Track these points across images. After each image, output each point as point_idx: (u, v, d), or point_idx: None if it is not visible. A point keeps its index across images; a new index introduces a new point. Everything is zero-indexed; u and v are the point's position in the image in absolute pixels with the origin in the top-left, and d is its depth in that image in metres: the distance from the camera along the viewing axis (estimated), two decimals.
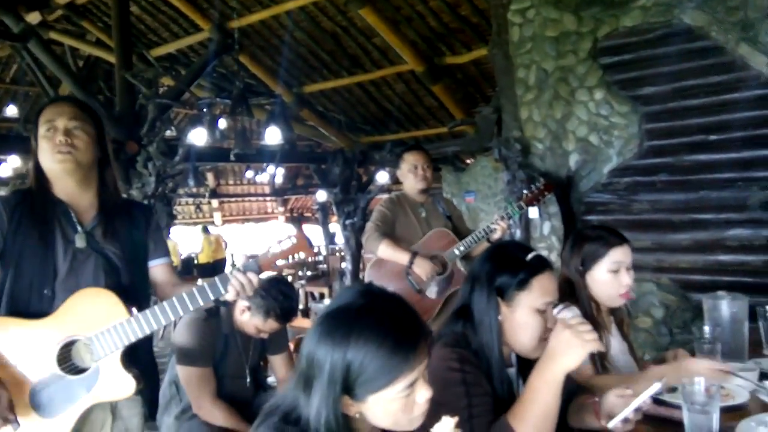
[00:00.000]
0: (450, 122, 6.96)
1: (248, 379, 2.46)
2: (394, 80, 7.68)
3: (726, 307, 1.96)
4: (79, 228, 1.64)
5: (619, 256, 1.83)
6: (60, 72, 6.55)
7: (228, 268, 12.49)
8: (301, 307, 6.90)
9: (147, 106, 5.60)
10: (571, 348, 1.24)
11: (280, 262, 1.70)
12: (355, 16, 6.52)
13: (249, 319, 2.33)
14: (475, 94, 7.44)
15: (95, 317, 1.55)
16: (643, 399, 1.26)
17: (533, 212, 4.21)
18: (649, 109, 3.80)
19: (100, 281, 1.62)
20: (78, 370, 1.56)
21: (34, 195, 1.65)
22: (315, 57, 7.68)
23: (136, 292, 1.69)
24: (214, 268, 11.48)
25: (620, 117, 3.91)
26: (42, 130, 1.64)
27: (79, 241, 1.63)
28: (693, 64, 3.59)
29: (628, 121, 3.89)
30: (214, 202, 16.12)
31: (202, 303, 1.59)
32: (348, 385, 0.95)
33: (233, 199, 16.67)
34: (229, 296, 1.60)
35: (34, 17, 6.88)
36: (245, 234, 16.84)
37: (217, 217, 16.19)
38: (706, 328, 1.90)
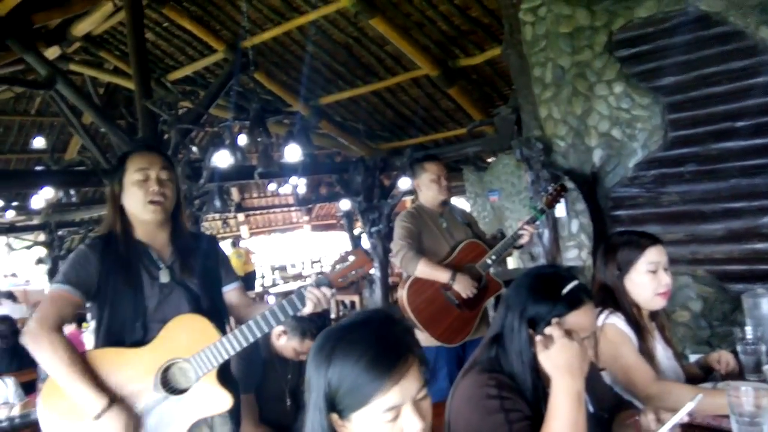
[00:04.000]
0: (468, 123, 6.94)
1: (289, 402, 2.49)
2: (410, 86, 7.68)
3: (767, 304, 1.93)
4: (161, 265, 1.78)
5: (654, 255, 1.83)
6: (82, 103, 6.70)
7: (258, 280, 12.64)
8: (333, 316, 6.93)
9: (169, 131, 5.69)
10: (584, 358, 1.25)
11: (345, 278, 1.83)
12: (365, 26, 6.54)
13: (287, 343, 2.37)
14: (491, 94, 7.40)
15: (191, 341, 1.71)
16: (679, 418, 1.25)
17: (560, 211, 4.18)
18: (672, 99, 3.74)
19: (185, 310, 1.76)
20: (179, 391, 1.70)
21: (119, 239, 1.78)
22: (329, 69, 7.73)
23: (216, 317, 1.82)
24: (246, 281, 11.62)
25: (642, 109, 3.86)
26: (134, 176, 1.78)
27: (163, 277, 1.77)
28: (712, 50, 3.53)
29: (650, 113, 3.83)
30: (240, 216, 16.28)
31: (283, 319, 1.76)
32: (332, 402, 0.96)
33: (258, 212, 16.82)
34: (307, 309, 1.76)
35: (53, 52, 7.06)
36: (272, 244, 16.99)
37: (245, 230, 16.36)
38: (748, 329, 1.87)
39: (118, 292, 1.73)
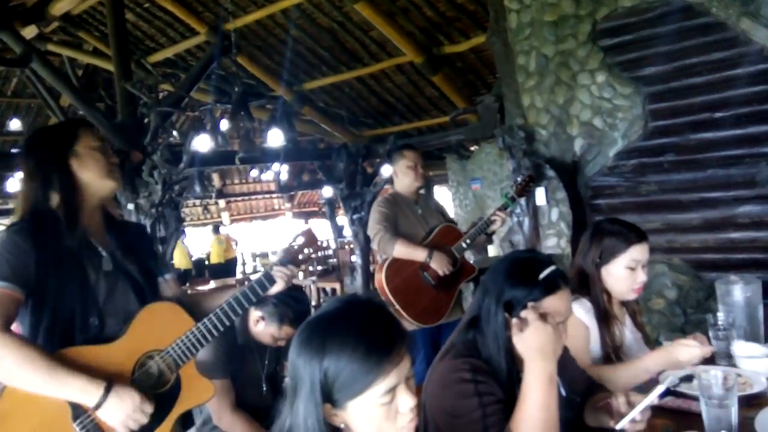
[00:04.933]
0: (452, 111, 6.93)
1: (265, 388, 2.48)
2: (394, 73, 7.64)
3: (739, 291, 1.96)
4: (102, 252, 1.63)
5: (638, 254, 1.84)
6: (60, 84, 6.56)
7: (240, 267, 12.57)
8: (314, 303, 6.92)
9: (149, 114, 5.60)
10: (558, 341, 1.27)
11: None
12: (350, 10, 6.48)
13: (264, 329, 2.35)
14: (475, 82, 7.39)
15: (166, 331, 1.59)
16: (650, 400, 1.26)
17: (540, 199, 4.20)
18: (652, 89, 3.77)
19: (132, 300, 1.63)
20: (160, 386, 1.58)
21: (57, 220, 1.54)
22: (313, 54, 7.66)
23: None
24: (227, 268, 11.55)
25: (623, 99, 3.88)
26: (94, 143, 1.62)
27: (107, 264, 1.61)
28: (694, 41, 3.55)
29: (631, 103, 3.85)
30: (221, 202, 16.17)
31: (254, 300, 1.71)
32: (327, 393, 0.96)
33: (240, 198, 16.72)
34: (278, 287, 1.74)
35: (30, 31, 6.89)
36: (254, 231, 16.91)
37: (225, 216, 16.25)
38: (720, 314, 1.90)
39: (62, 284, 1.51)
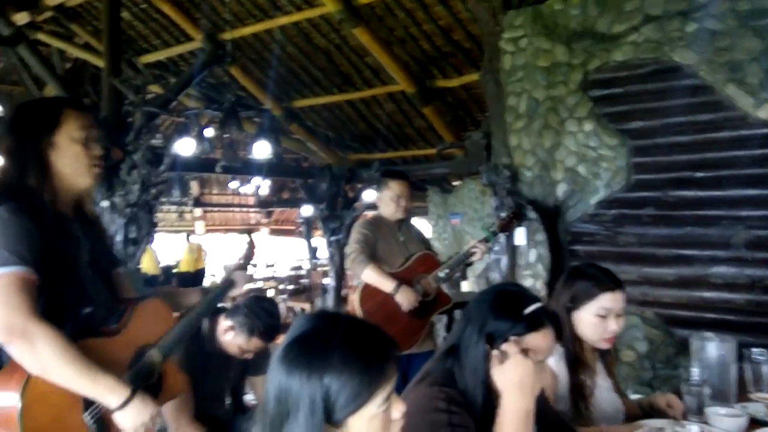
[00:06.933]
0: (439, 144, 6.99)
1: (228, 401, 2.40)
2: (385, 100, 7.69)
3: (714, 349, 1.95)
4: (84, 241, 1.56)
5: (608, 302, 1.77)
6: (46, 74, 6.45)
7: (208, 279, 12.33)
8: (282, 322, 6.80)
9: (134, 113, 5.52)
10: (537, 379, 1.26)
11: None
12: (348, 34, 6.54)
13: (233, 339, 2.28)
14: (465, 118, 7.48)
15: (156, 326, 1.63)
16: None
17: (520, 239, 4.22)
18: (638, 143, 3.85)
19: (104, 292, 1.59)
20: (150, 378, 1.59)
21: (44, 204, 1.46)
22: (306, 72, 7.68)
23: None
24: (195, 278, 11.31)
25: (609, 149, 3.95)
26: (76, 133, 1.51)
27: (85, 255, 1.55)
28: (682, 101, 3.65)
29: (616, 154, 3.92)
30: (197, 211, 15.95)
31: (222, 298, 1.91)
32: (328, 412, 0.92)
33: (216, 209, 16.53)
34: (237, 290, 1.92)
35: (22, 17, 6.78)
36: (227, 244, 16.66)
37: (200, 226, 16.02)
38: (695, 370, 1.89)
39: (57, 270, 1.44)
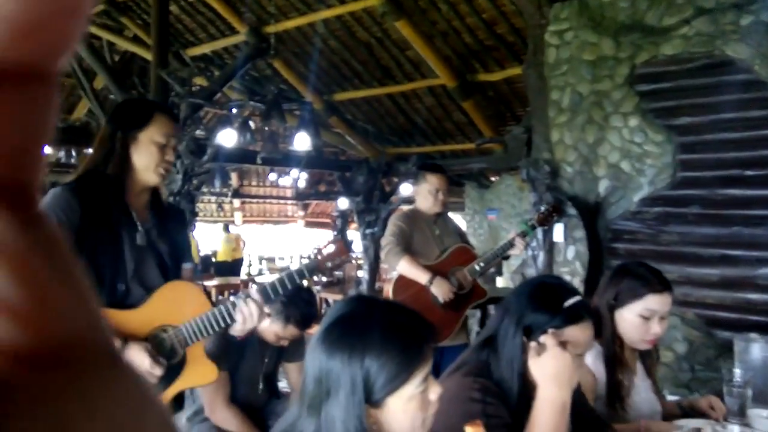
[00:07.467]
0: (478, 139, 6.92)
1: (261, 386, 2.44)
2: (425, 93, 7.67)
3: (758, 350, 1.90)
4: (139, 227, 1.71)
5: (654, 303, 1.73)
6: (97, 66, 6.67)
7: (245, 269, 12.57)
8: None
9: (180, 104, 5.66)
10: (575, 372, 1.24)
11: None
12: (390, 27, 6.54)
13: (269, 326, 2.33)
14: (505, 113, 7.39)
15: (182, 309, 1.67)
16: None
17: (558, 235, 4.16)
18: (685, 140, 3.73)
19: (157, 277, 1.71)
20: (169, 358, 1.65)
21: (108, 187, 1.65)
22: (347, 66, 7.71)
23: None
24: (232, 267, 11.56)
25: (654, 146, 3.85)
26: (158, 137, 1.69)
27: (140, 239, 1.70)
28: (732, 96, 3.52)
29: (662, 150, 3.82)
30: (236, 202, 16.23)
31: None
32: (369, 392, 0.94)
33: (255, 200, 16.79)
34: (237, 326, 1.70)
35: None
36: (264, 235, 16.93)
37: (238, 216, 16.31)
38: (737, 371, 1.84)
39: (98, 247, 1.61)
